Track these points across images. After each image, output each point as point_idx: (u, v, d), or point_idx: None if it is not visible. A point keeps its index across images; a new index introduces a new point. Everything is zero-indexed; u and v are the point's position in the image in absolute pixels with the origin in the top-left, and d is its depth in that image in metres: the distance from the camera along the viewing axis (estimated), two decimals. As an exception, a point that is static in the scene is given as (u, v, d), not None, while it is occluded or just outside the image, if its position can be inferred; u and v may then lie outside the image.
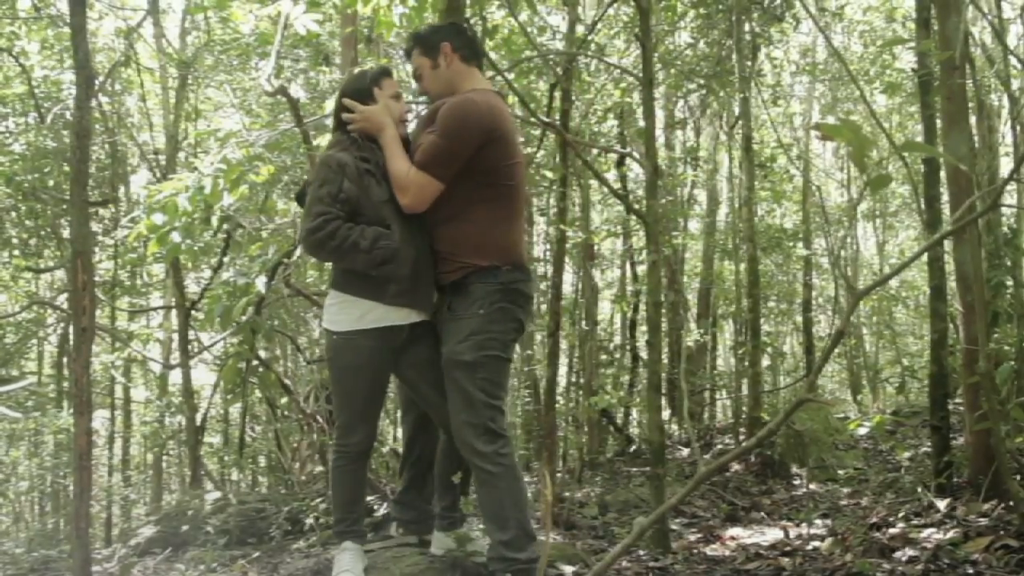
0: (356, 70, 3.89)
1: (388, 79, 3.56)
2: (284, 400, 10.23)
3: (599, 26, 9.92)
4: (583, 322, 11.57)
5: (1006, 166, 10.21)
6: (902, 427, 10.34)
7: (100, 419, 13.76)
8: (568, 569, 4.11)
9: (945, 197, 6.31)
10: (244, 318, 6.58)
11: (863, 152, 2.07)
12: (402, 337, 3.42)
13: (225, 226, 7.75)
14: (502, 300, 3.40)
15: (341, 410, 3.50)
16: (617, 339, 13.87)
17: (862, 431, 9.32)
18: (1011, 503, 5.16)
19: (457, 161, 3.29)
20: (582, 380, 11.52)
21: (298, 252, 7.46)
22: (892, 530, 5.50)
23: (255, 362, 7.85)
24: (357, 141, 3.44)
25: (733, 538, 6.19)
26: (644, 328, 9.38)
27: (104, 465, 14.45)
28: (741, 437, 10.53)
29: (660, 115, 12.99)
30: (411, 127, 3.74)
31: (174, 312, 11.69)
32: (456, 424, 3.36)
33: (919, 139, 8.21)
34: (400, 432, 11.32)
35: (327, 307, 3.51)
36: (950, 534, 5.04)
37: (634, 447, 11.46)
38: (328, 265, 8.05)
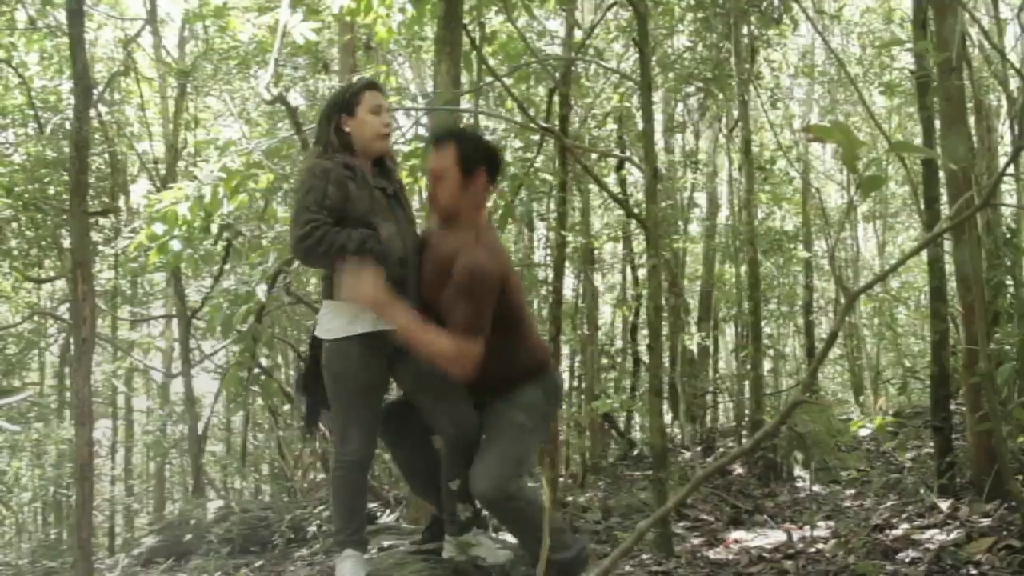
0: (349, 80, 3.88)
1: (370, 92, 3.54)
2: (286, 408, 10.24)
3: (597, 30, 9.94)
4: (584, 326, 11.57)
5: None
6: (904, 428, 10.33)
7: (102, 429, 13.76)
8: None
9: (945, 198, 6.32)
10: (245, 326, 6.59)
11: (854, 153, 2.07)
12: (393, 344, 3.43)
13: (225, 234, 7.75)
14: (549, 404, 3.57)
15: (337, 419, 3.51)
16: (618, 343, 13.85)
17: (864, 432, 9.31)
18: (1014, 503, 5.15)
19: (489, 311, 3.33)
20: (584, 384, 11.52)
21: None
22: (895, 531, 5.50)
23: (257, 370, 7.85)
24: (337, 156, 3.44)
25: (736, 541, 6.18)
26: (646, 332, 9.38)
27: (107, 475, 14.44)
28: (743, 440, 10.52)
29: (659, 119, 13.00)
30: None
31: (175, 321, 11.70)
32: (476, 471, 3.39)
33: (918, 140, 8.22)
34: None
35: (319, 317, 3.52)
36: (953, 535, 5.03)
37: (636, 451, 11.45)
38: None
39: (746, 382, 11.31)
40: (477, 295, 3.28)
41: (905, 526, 5.61)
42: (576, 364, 12.46)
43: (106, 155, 11.18)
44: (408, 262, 3.43)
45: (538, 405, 3.48)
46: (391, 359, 3.47)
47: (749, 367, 10.57)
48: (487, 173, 3.44)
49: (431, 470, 3.74)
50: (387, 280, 3.36)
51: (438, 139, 3.42)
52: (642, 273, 11.95)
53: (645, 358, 10.85)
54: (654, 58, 9.50)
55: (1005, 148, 9.60)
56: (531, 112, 7.18)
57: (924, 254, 7.51)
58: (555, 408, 3.66)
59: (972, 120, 8.24)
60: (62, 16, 10.11)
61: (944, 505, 5.79)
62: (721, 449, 10.80)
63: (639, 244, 12.20)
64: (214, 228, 6.14)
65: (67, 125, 9.83)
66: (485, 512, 3.74)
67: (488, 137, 10.19)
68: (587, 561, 3.50)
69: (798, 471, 8.82)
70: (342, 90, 3.60)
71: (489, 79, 7.33)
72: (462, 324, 3.29)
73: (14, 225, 10.76)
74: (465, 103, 7.59)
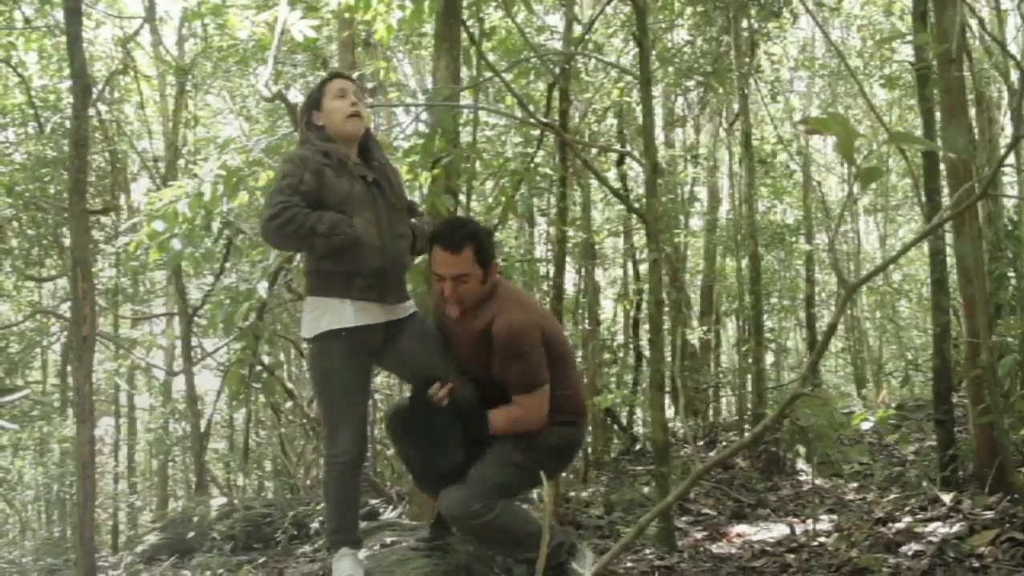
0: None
1: (332, 81, 3.56)
2: (288, 405, 10.25)
3: (596, 25, 9.93)
4: (585, 321, 11.57)
5: (1008, 158, 10.19)
6: (906, 421, 10.33)
7: (105, 427, 13.79)
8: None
9: (946, 190, 6.30)
10: (246, 323, 6.59)
11: (850, 144, 2.07)
12: (377, 338, 3.43)
13: (226, 232, 7.76)
14: (568, 455, 3.70)
15: (325, 419, 3.51)
16: (620, 338, 13.86)
17: (866, 425, 9.31)
18: (1016, 496, 5.15)
19: (541, 360, 3.41)
20: (586, 380, 11.52)
21: (298, 257, 7.46)
22: (898, 524, 5.50)
23: (258, 367, 7.85)
24: (316, 144, 3.45)
25: (739, 535, 6.19)
26: (647, 326, 9.38)
27: (110, 473, 14.47)
28: (746, 434, 10.53)
29: (659, 113, 12.99)
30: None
31: (177, 319, 11.71)
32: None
33: (918, 132, 8.20)
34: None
35: (303, 317, 3.52)
36: (956, 528, 5.03)
37: (639, 446, 11.46)
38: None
39: (748, 376, 11.31)
40: (524, 352, 3.36)
41: (908, 519, 5.61)
42: (578, 359, 12.45)
43: (106, 153, 11.18)
44: (388, 252, 3.42)
45: (551, 444, 3.53)
46: (376, 352, 3.48)
47: (751, 361, 10.58)
48: (496, 262, 3.52)
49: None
50: (366, 271, 3.37)
51: (451, 243, 3.37)
52: (643, 267, 11.94)
53: (647, 353, 10.86)
54: (654, 52, 9.49)
55: (1006, 139, 9.58)
56: (531, 107, 7.16)
57: (926, 247, 7.51)
58: (567, 459, 3.77)
59: (973, 112, 8.23)
60: (60, 15, 10.11)
61: (947, 498, 5.78)
62: (723, 443, 10.80)
63: (640, 239, 12.19)
64: (215, 226, 6.13)
65: (67, 124, 9.84)
66: None
67: (488, 134, 10.21)
68: (573, 551, 3.55)
69: (800, 465, 8.82)
70: (310, 90, 3.62)
71: (488, 75, 7.31)
72: (520, 383, 3.40)
73: (15, 224, 10.76)
74: (464, 99, 7.58)
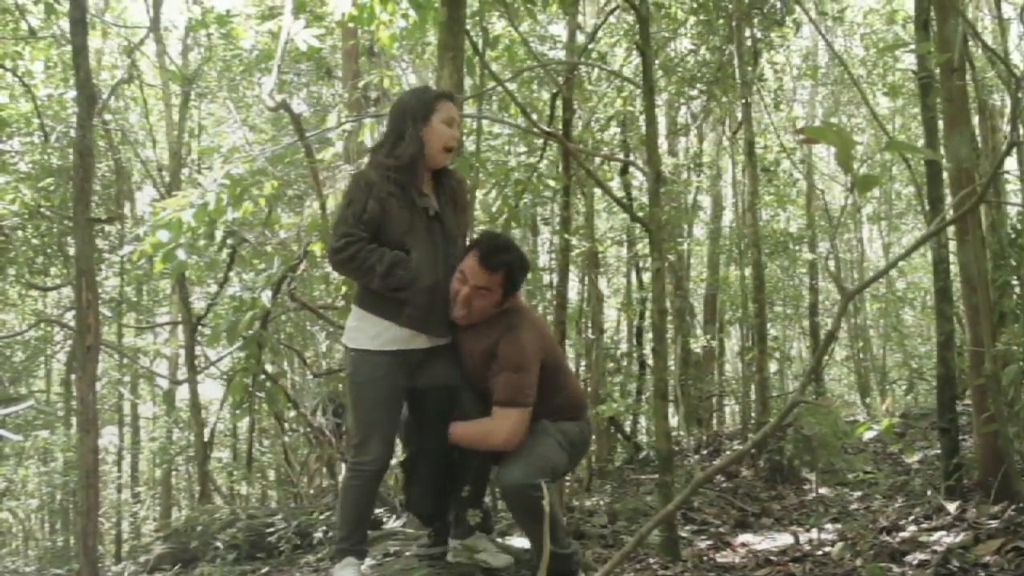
0: (418, 86, 3.83)
1: (446, 102, 3.52)
2: (292, 414, 10.25)
3: (600, 34, 9.95)
4: (589, 330, 11.57)
5: (1011, 165, 10.20)
6: (911, 430, 10.30)
7: (109, 436, 13.79)
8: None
9: (950, 199, 6.30)
10: (250, 332, 6.60)
11: (848, 154, 2.08)
12: (418, 357, 3.48)
13: (230, 241, 7.77)
14: (581, 441, 3.74)
15: (358, 427, 3.53)
16: (624, 347, 13.85)
17: (871, 434, 9.28)
18: (1021, 505, 5.14)
19: (534, 381, 3.49)
20: (589, 388, 11.52)
21: (303, 266, 7.48)
22: (902, 534, 5.48)
23: (262, 376, 7.86)
24: (389, 172, 3.44)
25: (743, 544, 6.17)
26: (651, 335, 9.37)
27: (113, 482, 14.47)
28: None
29: (662, 122, 13.00)
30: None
31: (180, 328, 11.72)
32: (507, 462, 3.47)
33: (921, 141, 8.22)
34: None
35: (348, 324, 3.56)
36: (960, 537, 5.01)
37: (643, 455, 11.44)
38: (335, 279, 8.06)
39: (752, 384, 11.30)
40: (521, 368, 3.44)
41: (912, 528, 5.59)
42: (581, 368, 12.46)
43: (110, 163, 11.21)
44: (440, 288, 3.46)
45: (574, 436, 3.63)
46: (413, 370, 3.51)
47: (754, 369, 10.56)
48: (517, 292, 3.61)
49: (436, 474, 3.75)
50: (417, 303, 3.41)
51: (488, 261, 3.42)
52: (647, 276, 11.94)
53: (651, 361, 10.84)
54: (657, 62, 9.51)
55: (1010, 148, 9.56)
56: (534, 116, 7.19)
57: (930, 255, 7.50)
58: (583, 449, 3.83)
59: (976, 120, 8.23)
60: (66, 25, 10.13)
61: (951, 507, 5.77)
62: (727, 452, 10.78)
63: (643, 247, 12.19)
64: (218, 235, 6.15)
65: (71, 133, 9.87)
66: (492, 518, 3.77)
67: (492, 143, 10.22)
68: (579, 563, 3.61)
69: (805, 473, 8.79)
70: (418, 98, 3.54)
71: (492, 84, 7.33)
72: (506, 395, 3.45)
73: (20, 233, 10.79)
74: (468, 108, 7.60)
